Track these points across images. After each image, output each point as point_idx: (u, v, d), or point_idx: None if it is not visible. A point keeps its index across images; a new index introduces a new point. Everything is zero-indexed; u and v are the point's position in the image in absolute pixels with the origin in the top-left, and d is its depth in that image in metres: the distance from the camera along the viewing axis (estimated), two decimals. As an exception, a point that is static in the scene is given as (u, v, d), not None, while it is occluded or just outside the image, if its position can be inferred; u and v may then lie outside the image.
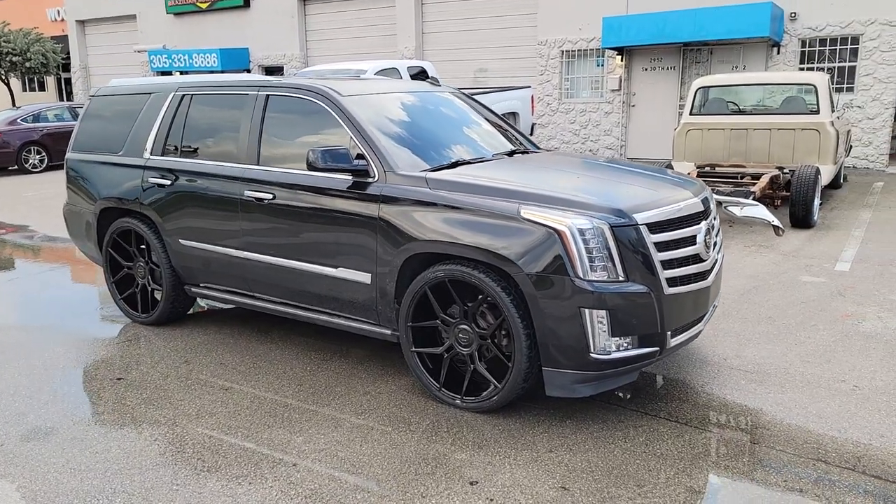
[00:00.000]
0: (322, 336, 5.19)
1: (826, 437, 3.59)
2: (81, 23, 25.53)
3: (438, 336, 4.15)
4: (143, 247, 5.51)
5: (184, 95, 5.20)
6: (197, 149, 5.05)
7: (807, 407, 3.93)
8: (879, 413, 3.84)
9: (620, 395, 4.15)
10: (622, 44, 13.72)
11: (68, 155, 5.90)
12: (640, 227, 3.64)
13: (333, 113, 4.42)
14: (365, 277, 4.23)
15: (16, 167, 16.85)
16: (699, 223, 4.01)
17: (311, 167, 4.15)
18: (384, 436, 3.70)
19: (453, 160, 4.42)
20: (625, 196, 3.82)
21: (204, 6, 21.16)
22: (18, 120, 17.03)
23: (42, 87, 30.69)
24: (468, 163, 4.44)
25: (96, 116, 5.77)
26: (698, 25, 12.82)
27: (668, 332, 3.75)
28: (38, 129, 17.09)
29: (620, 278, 3.57)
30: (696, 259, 3.92)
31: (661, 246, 3.72)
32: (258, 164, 4.69)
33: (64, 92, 29.77)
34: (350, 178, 4.25)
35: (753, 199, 7.84)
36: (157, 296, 5.51)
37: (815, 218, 8.45)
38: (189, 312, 5.75)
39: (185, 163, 5.05)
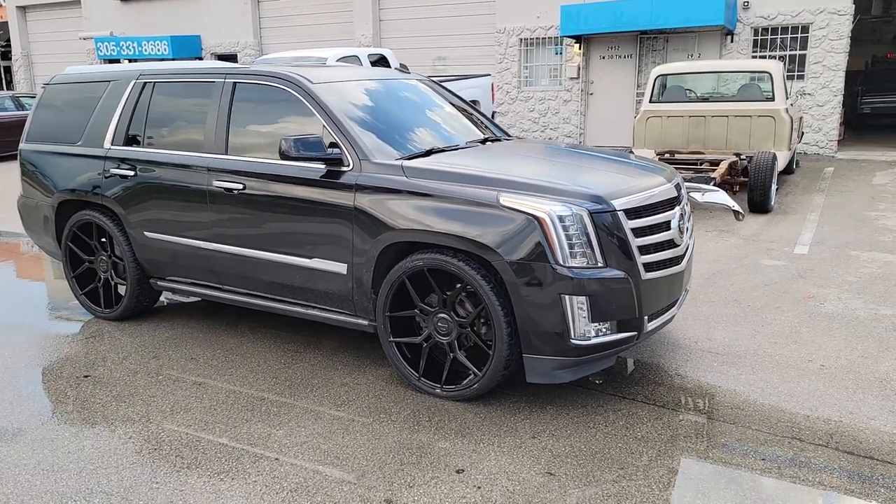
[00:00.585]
0: (292, 328, 5.12)
1: (799, 416, 3.68)
2: (22, 9, 24.59)
3: (416, 326, 4.13)
4: (104, 240, 5.35)
5: (145, 83, 5.05)
6: (161, 138, 4.91)
7: (778, 387, 4.03)
8: (847, 391, 3.95)
9: (597, 381, 4.18)
10: (580, 32, 13.81)
11: (22, 146, 5.68)
12: (618, 213, 3.67)
13: (304, 101, 4.34)
14: (340, 268, 4.18)
15: (-43, 159, 16.20)
16: (673, 209, 4.06)
17: (283, 156, 4.07)
18: (365, 427, 3.66)
19: (427, 148, 4.38)
20: (602, 182, 3.85)
21: (153, -8, 20.57)
22: (-41, 110, 16.36)
23: (-20, 77, 29.50)
24: (442, 150, 4.41)
25: (51, 105, 5.57)
26: (655, 13, 12.97)
27: (646, 317, 3.81)
28: (-20, 120, 16.44)
29: (599, 264, 3.60)
30: (670, 244, 3.97)
31: (638, 232, 3.76)
32: (226, 154, 4.58)
33: (3, 81, 28.67)
34: (323, 167, 4.18)
35: (714, 184, 7.98)
36: (121, 290, 5.37)
37: (773, 203, 8.65)
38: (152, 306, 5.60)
39: (148, 153, 4.91)
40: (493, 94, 13.31)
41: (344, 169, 4.13)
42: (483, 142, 4.85)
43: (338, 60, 10.77)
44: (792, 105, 10.16)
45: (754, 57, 13.45)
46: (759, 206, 8.47)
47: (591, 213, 3.59)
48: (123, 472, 3.26)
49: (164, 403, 3.97)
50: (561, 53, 15.19)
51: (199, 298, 5.60)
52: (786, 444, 3.41)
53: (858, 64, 18.36)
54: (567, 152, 4.68)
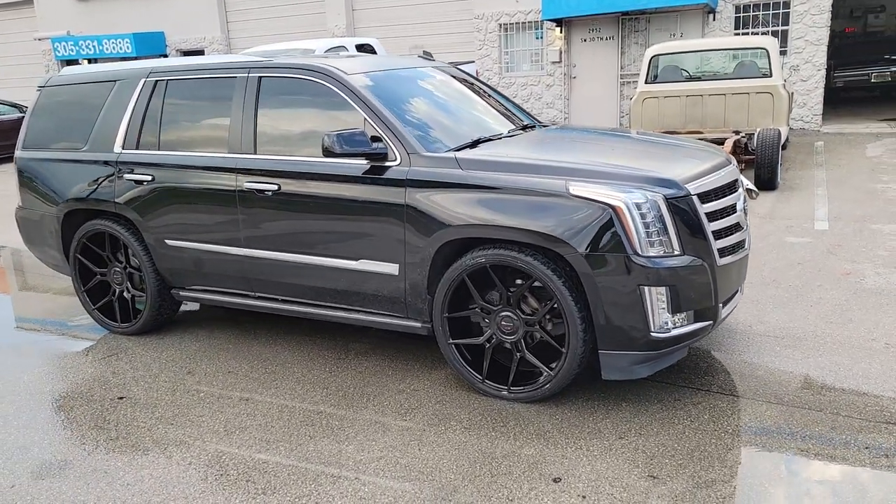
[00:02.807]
0: (322, 333, 4.86)
1: (885, 399, 3.57)
2: (-29, 11, 23.54)
3: (473, 325, 3.92)
4: (113, 250, 5.03)
5: (157, 81, 4.72)
6: (179, 140, 4.59)
7: (850, 369, 3.92)
8: (923, 369, 3.86)
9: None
10: (562, 15, 13.62)
11: (18, 153, 5.30)
12: (693, 197, 3.50)
13: (342, 93, 4.08)
14: (392, 269, 3.94)
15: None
16: (736, 190, 3.91)
17: (326, 152, 3.81)
18: (440, 436, 3.45)
19: (473, 139, 4.16)
20: (671, 166, 3.67)
21: (111, -12, 19.81)
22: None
23: (-72, 83, 28.22)
24: (489, 140, 4.19)
25: (49, 109, 5.19)
26: (636, -7, 12.86)
27: (720, 304, 3.66)
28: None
29: (676, 252, 3.43)
30: (737, 227, 3.82)
31: (710, 216, 3.60)
32: (256, 153, 4.30)
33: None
34: (366, 162, 3.93)
35: (723, 163, 7.88)
36: (138, 303, 5.05)
37: (779, 179, 8.61)
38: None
39: (166, 156, 4.60)
40: (477, 81, 13.06)
41: (389, 164, 3.89)
42: (523, 129, 4.64)
43: (326, 51, 10.44)
44: (786, 80, 10.14)
45: (737, 34, 13.43)
46: (767, 183, 8.41)
47: (667, 199, 3.42)
48: (195, 502, 3.00)
49: (215, 423, 3.70)
50: (541, 38, 15.00)
51: (223, 307, 5.32)
52: (883, 431, 3.28)
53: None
54: (615, 136, 4.49)
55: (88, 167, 4.90)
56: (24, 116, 16.63)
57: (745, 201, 4.01)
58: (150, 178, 4.63)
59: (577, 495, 2.93)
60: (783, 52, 13.04)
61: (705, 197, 3.60)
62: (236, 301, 4.64)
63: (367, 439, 3.46)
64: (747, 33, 13.30)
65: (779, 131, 8.46)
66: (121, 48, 19.00)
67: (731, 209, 3.79)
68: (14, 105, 17.17)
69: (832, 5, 12.65)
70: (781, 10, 13.06)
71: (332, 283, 4.18)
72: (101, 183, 4.84)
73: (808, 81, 13.00)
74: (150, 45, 19.19)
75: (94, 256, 5.11)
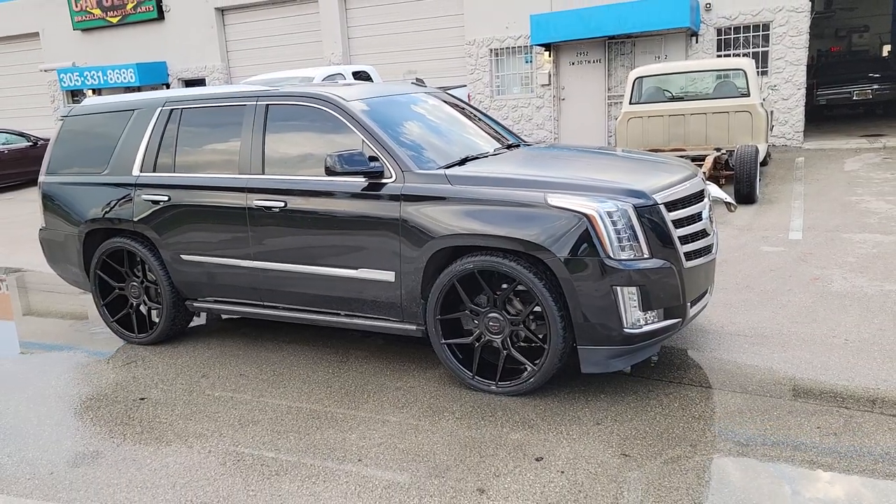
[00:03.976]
0: (325, 338, 5.23)
1: (839, 387, 3.94)
2: (-24, 43, 24.10)
3: (462, 326, 4.29)
4: (133, 266, 5.41)
5: (172, 110, 5.13)
6: (193, 162, 4.99)
7: (811, 362, 4.29)
8: (875, 361, 4.23)
9: (654, 359, 4.43)
10: (551, 40, 14.15)
11: (42, 178, 5.70)
12: (660, 206, 3.89)
13: (342, 118, 4.49)
14: (388, 276, 4.32)
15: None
16: (702, 200, 4.31)
17: (328, 172, 4.22)
18: (434, 425, 3.81)
19: (462, 157, 4.56)
20: (641, 178, 4.07)
21: (115, 20, 20.38)
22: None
23: (-67, 114, 28.74)
24: (476, 158, 4.60)
25: (71, 137, 5.60)
26: (622, 19, 13.38)
27: (688, 304, 4.04)
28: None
29: (646, 256, 3.81)
30: (703, 234, 4.21)
31: (677, 223, 3.99)
32: (263, 174, 4.70)
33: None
34: (364, 180, 4.33)
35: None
36: (154, 314, 5.42)
37: (758, 193, 9.03)
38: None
39: (182, 177, 4.99)
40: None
41: (385, 181, 4.28)
42: (508, 148, 5.05)
43: (324, 79, 10.91)
44: (765, 99, 10.59)
45: (719, 56, 13.94)
46: (746, 197, 8.83)
47: (636, 208, 3.81)
48: (216, 482, 3.36)
49: (230, 418, 4.06)
50: (531, 62, 15.53)
51: (232, 317, 5.68)
52: (834, 413, 3.65)
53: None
54: (592, 153, 4.90)
55: (109, 189, 5.30)
56: (30, 145, 17.13)
57: (711, 210, 4.41)
58: (166, 198, 5.02)
59: (556, 471, 3.29)
60: (764, 73, 13.56)
61: (672, 206, 3.99)
62: (246, 310, 5.01)
63: (369, 429, 3.82)
64: (729, 55, 13.82)
65: (756, 148, 8.89)
66: (125, 78, 19.52)
67: (697, 217, 4.18)
68: (21, 134, 17.63)
69: (817, 26, 13.18)
70: (762, 32, 13.59)
71: (334, 290, 4.56)
72: (120, 204, 5.23)
73: (789, 100, 13.49)
74: (153, 74, 19.71)
75: (113, 272, 5.49)
